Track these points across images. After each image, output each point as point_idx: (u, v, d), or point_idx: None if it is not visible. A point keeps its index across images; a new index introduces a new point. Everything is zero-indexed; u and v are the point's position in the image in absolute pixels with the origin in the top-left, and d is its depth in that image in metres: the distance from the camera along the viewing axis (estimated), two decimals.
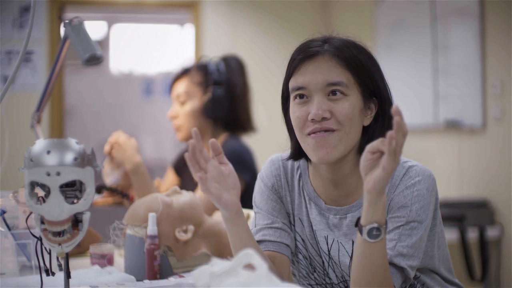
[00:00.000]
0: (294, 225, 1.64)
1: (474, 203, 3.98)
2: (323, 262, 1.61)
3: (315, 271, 1.64)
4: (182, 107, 2.76)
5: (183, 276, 1.71)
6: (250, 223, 1.68)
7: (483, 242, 3.80)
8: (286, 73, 1.57)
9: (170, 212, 1.84)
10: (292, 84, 1.54)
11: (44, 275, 1.40)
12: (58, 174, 1.23)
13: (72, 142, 1.27)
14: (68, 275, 1.32)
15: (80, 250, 2.10)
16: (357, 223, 1.34)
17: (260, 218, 1.63)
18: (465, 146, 4.31)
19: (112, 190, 2.56)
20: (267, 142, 3.50)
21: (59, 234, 1.27)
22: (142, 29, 7.75)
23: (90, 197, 1.27)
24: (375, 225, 1.31)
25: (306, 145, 1.53)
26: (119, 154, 2.47)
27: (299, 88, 1.52)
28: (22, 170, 1.26)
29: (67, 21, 2.27)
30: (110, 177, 2.55)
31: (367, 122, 1.55)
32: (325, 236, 1.59)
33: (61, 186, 1.25)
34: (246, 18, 5.89)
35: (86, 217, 1.29)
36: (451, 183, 4.36)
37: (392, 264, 1.44)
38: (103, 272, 1.71)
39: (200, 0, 5.81)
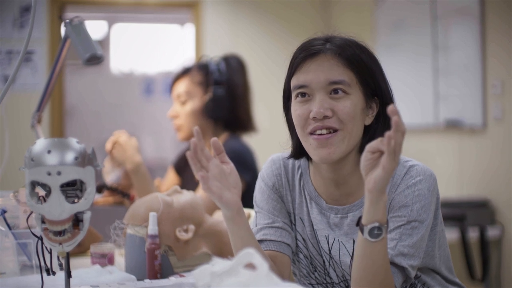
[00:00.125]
0: (295, 225, 1.64)
1: (475, 203, 3.98)
2: (323, 262, 1.61)
3: (315, 271, 1.64)
4: (183, 107, 2.76)
5: (183, 276, 1.71)
6: (251, 222, 1.68)
7: (483, 241, 3.80)
8: (288, 71, 1.57)
9: (170, 212, 1.84)
10: (294, 82, 1.54)
11: (44, 274, 1.40)
12: (59, 173, 1.23)
13: (73, 141, 1.27)
14: (68, 275, 1.32)
15: (80, 250, 2.10)
16: (358, 223, 1.34)
17: (261, 218, 1.63)
18: (465, 146, 4.31)
19: (113, 190, 2.56)
20: (268, 142, 3.50)
21: (59, 233, 1.27)
22: (143, 29, 7.75)
23: (91, 196, 1.27)
24: (376, 224, 1.31)
25: (308, 144, 1.53)
26: (120, 154, 2.47)
27: (301, 87, 1.52)
28: (23, 169, 1.26)
29: (67, 20, 2.27)
30: (110, 176, 2.55)
31: (368, 121, 1.55)
32: (326, 236, 1.59)
33: (62, 186, 1.25)
34: (247, 18, 5.89)
35: (87, 216, 1.29)
36: (451, 183, 4.36)
37: (393, 263, 1.44)
38: (104, 271, 1.71)
39: (200, 0, 5.81)
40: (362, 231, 1.32)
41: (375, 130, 1.53)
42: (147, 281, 1.65)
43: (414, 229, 1.47)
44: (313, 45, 1.53)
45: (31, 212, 1.38)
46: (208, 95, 2.73)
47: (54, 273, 1.40)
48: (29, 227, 1.45)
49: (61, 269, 1.35)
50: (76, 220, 1.29)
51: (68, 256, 1.31)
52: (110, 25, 7.68)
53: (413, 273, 1.47)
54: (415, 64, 4.71)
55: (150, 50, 7.70)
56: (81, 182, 1.27)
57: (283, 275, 1.56)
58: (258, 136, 3.01)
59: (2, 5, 5.19)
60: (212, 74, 2.73)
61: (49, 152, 1.23)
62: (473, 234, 3.82)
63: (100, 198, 2.62)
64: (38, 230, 1.30)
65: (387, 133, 1.23)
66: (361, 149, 1.54)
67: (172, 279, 1.65)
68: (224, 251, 1.88)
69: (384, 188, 1.28)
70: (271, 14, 5.89)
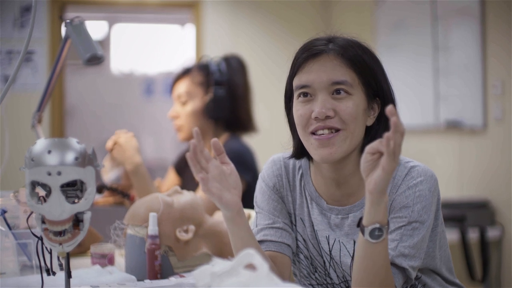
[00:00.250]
0: (295, 225, 1.64)
1: (475, 203, 3.98)
2: (324, 262, 1.61)
3: (316, 271, 1.64)
4: (183, 107, 2.76)
5: (184, 276, 1.71)
6: (251, 223, 1.67)
7: (483, 242, 3.80)
8: (290, 71, 1.57)
9: (171, 212, 1.84)
10: (296, 82, 1.54)
11: (45, 274, 1.40)
12: (59, 173, 1.23)
13: (73, 141, 1.27)
14: (69, 275, 1.32)
15: (81, 250, 2.10)
16: (359, 224, 1.34)
17: (261, 218, 1.63)
18: (465, 147, 4.31)
19: (113, 190, 2.56)
20: (268, 142, 3.50)
21: (60, 233, 1.27)
22: (143, 29, 7.75)
23: (91, 196, 1.27)
24: (377, 225, 1.31)
25: (309, 144, 1.53)
26: (119, 155, 2.47)
27: (303, 87, 1.52)
28: (23, 169, 1.26)
29: (68, 21, 2.27)
30: (109, 175, 2.55)
31: (370, 122, 1.55)
32: (326, 236, 1.59)
33: (62, 186, 1.25)
34: (247, 18, 5.89)
35: (87, 216, 1.29)
36: (451, 183, 4.36)
37: (393, 264, 1.44)
38: (104, 272, 1.71)
39: (200, 0, 5.81)
40: (363, 232, 1.32)
41: (377, 130, 1.53)
42: (147, 281, 1.65)
43: (415, 230, 1.47)
44: (316, 45, 1.53)
45: (31, 212, 1.38)
46: (208, 95, 2.73)
47: (54, 273, 1.40)
48: (29, 227, 1.45)
49: (61, 269, 1.35)
50: (76, 220, 1.29)
51: (68, 256, 1.31)
52: (110, 25, 7.68)
53: (413, 274, 1.47)
54: (415, 64, 4.71)
55: (151, 51, 7.70)
56: (81, 182, 1.27)
57: (284, 276, 1.56)
58: (258, 137, 3.01)
59: (2, 5, 5.19)
60: (213, 75, 2.73)
61: (49, 152, 1.23)
62: (473, 235, 3.81)
63: (100, 199, 2.62)
64: (38, 230, 1.30)
65: (386, 134, 1.23)
66: (362, 149, 1.54)
67: (172, 280, 1.65)
68: (224, 252, 1.88)
69: (385, 189, 1.28)
70: (271, 14, 5.89)
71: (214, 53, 3.24)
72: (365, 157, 1.29)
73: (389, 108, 1.23)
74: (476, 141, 4.20)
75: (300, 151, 1.60)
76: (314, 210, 1.61)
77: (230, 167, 1.47)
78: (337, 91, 1.50)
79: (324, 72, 1.51)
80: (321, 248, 1.61)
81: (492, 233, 3.89)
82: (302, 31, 5.47)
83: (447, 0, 4.43)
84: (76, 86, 7.22)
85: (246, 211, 2.09)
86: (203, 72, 2.76)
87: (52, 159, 1.23)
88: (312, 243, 1.62)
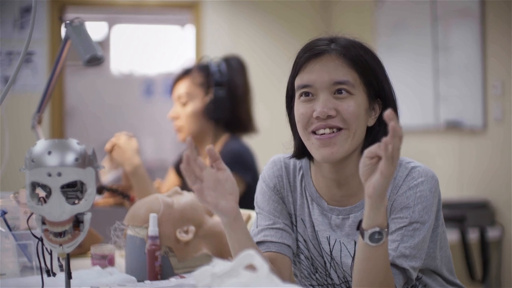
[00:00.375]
0: (296, 226, 1.64)
1: (475, 203, 3.98)
2: (325, 263, 1.61)
3: (317, 272, 1.64)
4: (184, 108, 2.76)
5: (184, 277, 1.71)
6: (251, 224, 1.67)
7: (483, 242, 3.80)
8: (292, 71, 1.57)
9: (171, 213, 1.84)
10: (298, 82, 1.54)
11: (45, 275, 1.40)
12: (59, 174, 1.23)
13: (73, 142, 1.27)
14: (69, 276, 1.32)
15: (81, 251, 2.10)
16: (358, 226, 1.34)
17: (262, 219, 1.63)
18: (465, 147, 4.31)
19: (113, 191, 2.56)
20: (268, 143, 3.50)
21: (60, 234, 1.27)
22: (143, 30, 7.75)
23: (91, 197, 1.27)
24: (377, 229, 1.30)
25: (310, 143, 1.53)
26: (119, 156, 2.47)
27: (305, 86, 1.52)
28: (23, 170, 1.26)
29: (68, 21, 2.27)
30: (107, 176, 2.55)
31: (371, 122, 1.55)
32: (327, 237, 1.59)
33: (62, 187, 1.24)
34: (247, 19, 5.89)
35: (87, 217, 1.29)
36: (451, 183, 4.36)
37: (394, 265, 1.44)
38: (104, 272, 1.71)
39: (200, 1, 5.81)
40: (362, 235, 1.32)
41: (378, 131, 1.53)
42: (147, 282, 1.65)
43: (415, 230, 1.46)
44: (318, 45, 1.53)
45: (32, 213, 1.38)
46: (209, 96, 2.73)
47: (54, 274, 1.40)
48: (29, 228, 1.45)
49: (62, 270, 1.35)
50: (77, 221, 1.29)
51: (68, 257, 1.31)
52: (110, 26, 7.68)
53: (414, 275, 1.47)
54: (415, 65, 4.71)
55: (150, 51, 7.70)
56: (82, 183, 1.27)
57: (284, 277, 1.56)
58: (258, 137, 3.01)
59: (2, 5, 5.19)
60: (213, 75, 2.73)
61: (49, 153, 1.23)
62: (473, 235, 3.81)
63: (100, 199, 2.62)
64: (38, 231, 1.30)
65: (384, 139, 1.23)
66: (363, 150, 1.54)
67: (173, 280, 1.65)
68: (224, 252, 1.88)
69: (384, 193, 1.28)
70: (271, 14, 5.90)
71: (214, 53, 3.24)
72: (364, 161, 1.28)
73: (387, 113, 1.22)
74: (476, 142, 4.20)
75: (301, 151, 1.60)
76: (314, 210, 1.61)
77: (225, 173, 1.45)
78: (339, 91, 1.50)
79: (326, 72, 1.51)
80: (322, 248, 1.61)
81: (492, 233, 3.89)
82: (302, 31, 5.47)
83: (447, 0, 4.43)
84: (76, 87, 7.22)
85: (246, 211, 2.09)
86: (203, 73, 2.76)
87: (52, 160, 1.23)
88: (313, 244, 1.62)
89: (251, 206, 1.73)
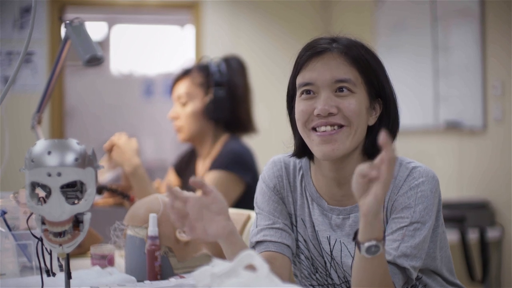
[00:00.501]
0: (296, 226, 1.64)
1: (475, 204, 3.98)
2: (325, 263, 1.61)
3: (317, 272, 1.64)
4: (183, 108, 2.76)
5: (183, 277, 1.71)
6: (251, 224, 1.67)
7: (483, 243, 3.80)
8: (293, 70, 1.57)
9: None
10: (299, 80, 1.54)
11: (44, 275, 1.40)
12: (59, 174, 1.23)
13: (73, 142, 1.27)
14: (68, 276, 1.32)
15: (80, 251, 2.10)
16: (354, 237, 1.33)
17: (262, 219, 1.63)
18: (465, 147, 4.31)
19: (113, 191, 2.56)
20: (268, 143, 3.50)
21: (60, 234, 1.27)
22: (143, 30, 7.75)
23: (91, 197, 1.27)
24: (374, 242, 1.29)
25: (310, 140, 1.53)
26: (118, 156, 2.47)
27: (306, 84, 1.52)
28: (23, 170, 1.26)
29: (67, 21, 2.27)
30: (105, 175, 2.55)
31: (372, 121, 1.55)
32: (327, 237, 1.59)
33: (62, 187, 1.24)
34: (247, 19, 5.89)
35: (87, 217, 1.29)
36: (451, 184, 4.36)
37: (395, 264, 1.44)
38: (104, 272, 1.71)
39: (200, 1, 5.81)
40: (359, 248, 1.31)
41: (378, 131, 1.53)
42: (147, 282, 1.65)
43: (416, 230, 1.47)
44: (320, 44, 1.54)
45: (31, 213, 1.38)
46: (208, 96, 2.73)
47: (54, 274, 1.40)
48: (29, 228, 1.45)
49: (61, 270, 1.35)
50: (76, 221, 1.29)
51: (68, 257, 1.31)
52: (110, 26, 7.68)
53: (414, 274, 1.47)
54: (415, 65, 4.71)
55: (150, 51, 7.71)
56: (81, 183, 1.27)
57: (283, 276, 1.56)
58: (258, 137, 3.01)
59: (2, 6, 5.19)
60: (213, 75, 2.73)
61: (49, 153, 1.23)
62: (473, 236, 3.81)
63: (100, 200, 2.62)
64: (38, 231, 1.30)
65: (376, 164, 1.21)
66: (364, 149, 1.54)
67: (172, 281, 1.65)
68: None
69: (379, 211, 1.26)
70: (271, 15, 5.90)
71: (214, 54, 3.25)
72: (356, 179, 1.25)
73: (382, 138, 1.19)
74: (476, 142, 4.20)
75: (301, 150, 1.60)
76: (315, 210, 1.61)
77: (211, 196, 1.43)
78: (340, 89, 1.51)
79: (328, 70, 1.51)
80: (322, 248, 1.61)
81: (492, 233, 3.89)
82: (302, 32, 5.47)
83: (447, 0, 4.43)
84: (76, 87, 7.22)
85: (246, 211, 2.09)
86: (203, 73, 2.76)
87: (52, 160, 1.23)
88: (313, 244, 1.62)
89: (251, 206, 1.73)
